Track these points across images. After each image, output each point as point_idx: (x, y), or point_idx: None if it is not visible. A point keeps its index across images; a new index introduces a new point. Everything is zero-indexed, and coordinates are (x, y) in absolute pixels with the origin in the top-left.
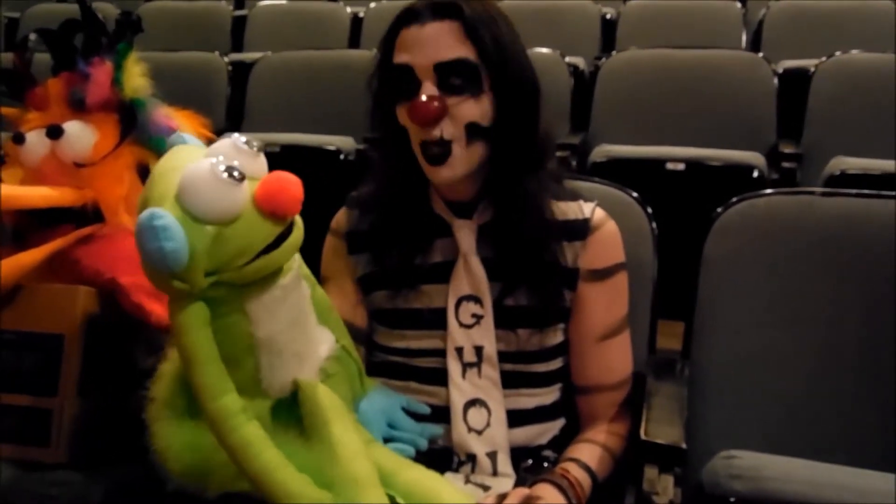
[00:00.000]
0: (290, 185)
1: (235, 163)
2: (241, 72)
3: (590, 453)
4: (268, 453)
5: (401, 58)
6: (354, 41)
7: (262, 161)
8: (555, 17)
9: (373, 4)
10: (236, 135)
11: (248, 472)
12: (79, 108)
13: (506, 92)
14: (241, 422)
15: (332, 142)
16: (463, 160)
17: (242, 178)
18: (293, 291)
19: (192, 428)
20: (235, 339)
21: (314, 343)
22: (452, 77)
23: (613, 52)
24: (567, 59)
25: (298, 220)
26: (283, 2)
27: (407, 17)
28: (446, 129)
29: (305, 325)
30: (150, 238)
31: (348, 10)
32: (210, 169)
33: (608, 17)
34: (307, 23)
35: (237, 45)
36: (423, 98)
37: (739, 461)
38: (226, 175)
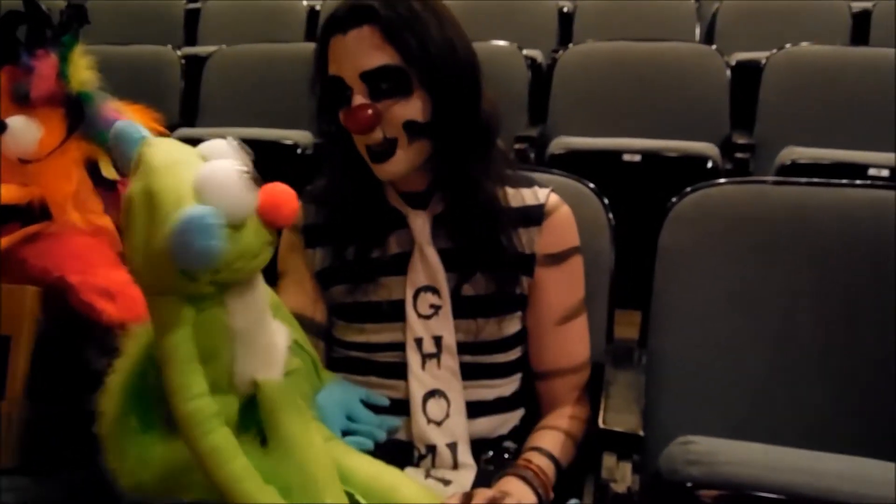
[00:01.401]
0: (291, 198)
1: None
2: (194, 65)
3: (552, 440)
4: (237, 462)
5: (331, 68)
6: (311, 34)
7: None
8: (512, 10)
9: None
10: (229, 139)
11: (216, 478)
12: (23, 102)
13: (438, 87)
14: (213, 427)
15: (289, 136)
16: (406, 157)
17: (254, 182)
18: (258, 283)
19: (143, 443)
20: (214, 332)
21: (277, 334)
22: (380, 82)
23: (571, 45)
24: (524, 51)
25: None
26: None
27: (331, 26)
28: (386, 131)
29: (269, 316)
30: (203, 234)
31: (304, 2)
32: (236, 170)
33: (565, 10)
34: (262, 16)
35: (190, 39)
36: (355, 108)
37: (696, 447)
38: (245, 177)
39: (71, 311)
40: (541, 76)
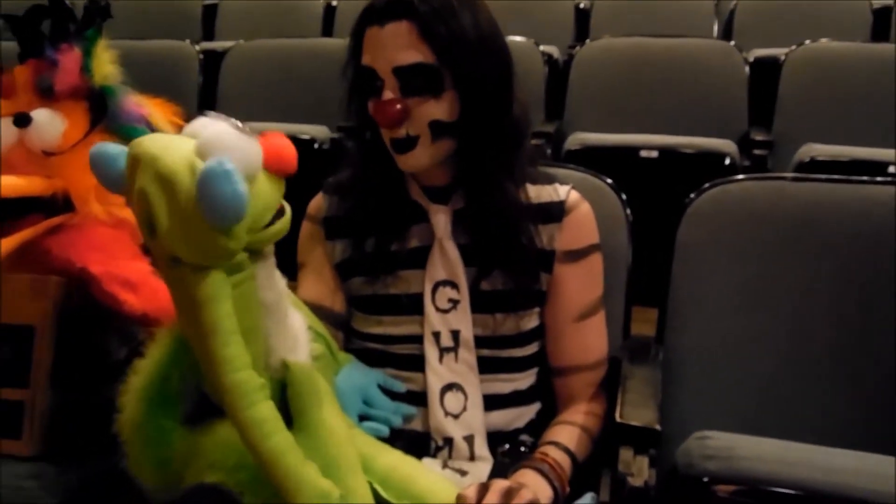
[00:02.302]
0: (289, 145)
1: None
2: (212, 60)
3: (568, 435)
4: (280, 435)
5: (365, 58)
6: (327, 29)
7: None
8: (529, 5)
9: None
10: (209, 113)
11: (259, 450)
12: (47, 95)
13: (469, 88)
14: (258, 398)
15: (306, 130)
16: (428, 153)
17: (250, 132)
18: (274, 262)
19: (164, 446)
20: (250, 306)
21: (297, 318)
22: (412, 79)
23: (587, 41)
24: (541, 47)
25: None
26: None
27: (369, 16)
28: (411, 128)
29: (289, 298)
30: (225, 181)
31: None
32: (232, 125)
33: (582, 6)
34: (279, 11)
35: (208, 34)
36: (384, 101)
37: (713, 441)
38: (242, 129)
39: (93, 301)
40: (557, 72)
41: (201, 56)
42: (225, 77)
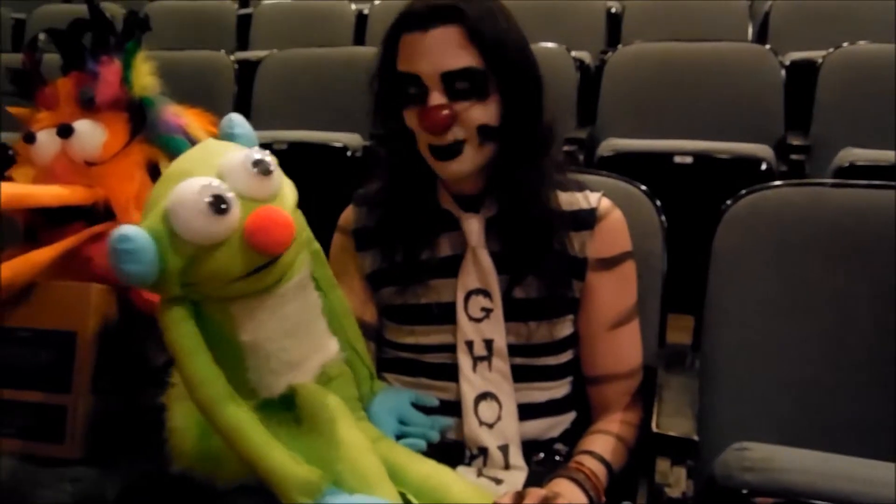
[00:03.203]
0: (277, 226)
1: (226, 190)
2: (246, 70)
3: (603, 444)
4: (255, 434)
5: (406, 65)
6: (359, 38)
7: (272, 182)
8: (560, 11)
9: (377, 2)
10: (254, 151)
11: (241, 453)
12: (89, 106)
13: (511, 91)
14: (227, 406)
15: (338, 139)
16: (473, 158)
17: (226, 210)
18: (291, 301)
19: (212, 439)
20: (221, 339)
21: (315, 351)
22: (459, 83)
23: (619, 46)
24: (572, 53)
25: (300, 237)
26: (288, 0)
27: (407, 22)
28: (458, 133)
29: (305, 335)
30: (116, 259)
31: (353, 7)
32: (198, 194)
33: (613, 10)
34: (312, 20)
35: (242, 44)
36: (433, 107)
37: (751, 453)
38: (210, 204)
39: (132, 308)
40: (589, 78)
41: (236, 65)
42: (259, 86)
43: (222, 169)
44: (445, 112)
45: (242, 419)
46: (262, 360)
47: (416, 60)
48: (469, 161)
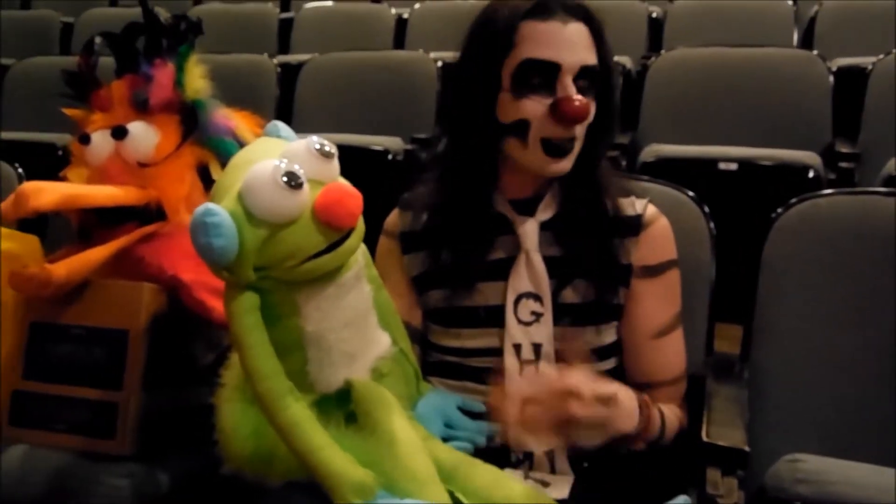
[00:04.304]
0: (349, 198)
1: (298, 168)
2: (288, 73)
3: (663, 408)
4: (313, 433)
5: (539, 52)
6: (399, 42)
7: (334, 166)
8: (601, 15)
9: (417, 6)
10: (314, 137)
11: (296, 451)
12: (142, 109)
13: (606, 96)
14: (288, 402)
15: (379, 142)
16: (573, 158)
17: (300, 185)
18: (351, 291)
19: (259, 415)
20: (285, 330)
21: (370, 344)
22: (584, 80)
23: (662, 52)
24: (615, 58)
25: (360, 224)
26: (329, 4)
27: (540, 11)
28: (578, 129)
29: (361, 327)
30: (202, 233)
31: (393, 11)
32: (272, 172)
33: (654, 15)
34: (352, 24)
35: (284, 47)
36: (575, 98)
37: (804, 465)
38: (285, 181)
39: (182, 307)
40: (630, 83)
41: (279, 69)
42: (301, 89)
43: (286, 154)
44: (584, 102)
45: (301, 416)
46: (324, 351)
47: (556, 49)
48: (571, 160)
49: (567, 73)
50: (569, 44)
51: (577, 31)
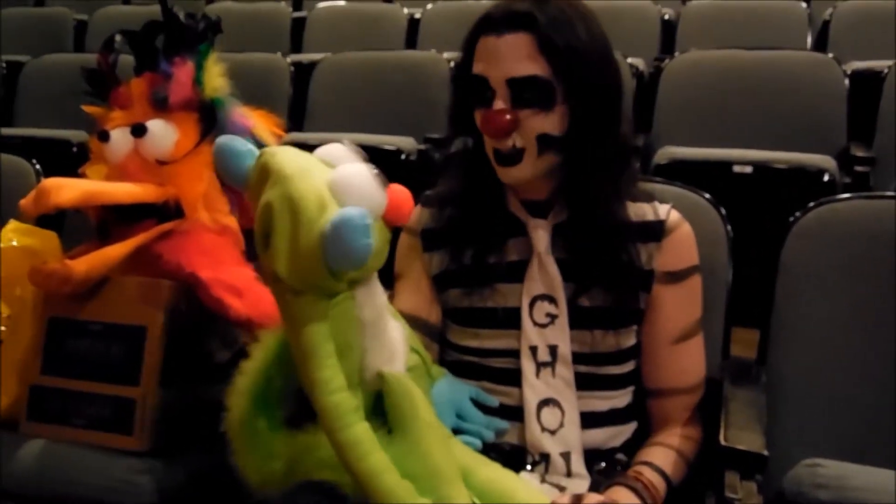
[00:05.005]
0: (409, 198)
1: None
2: (300, 72)
3: (664, 457)
4: (376, 455)
5: (477, 67)
6: (411, 42)
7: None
8: (613, 18)
9: (429, 6)
10: (346, 142)
11: (355, 470)
12: (161, 107)
13: (580, 102)
14: (353, 420)
15: (392, 142)
16: (532, 166)
17: (386, 183)
18: (376, 276)
19: (269, 442)
20: (347, 325)
21: (395, 329)
22: (525, 91)
23: (676, 54)
24: (628, 60)
25: None
26: (341, 3)
27: (485, 25)
28: (517, 140)
29: (388, 310)
30: (361, 234)
31: (405, 11)
32: (368, 172)
33: (667, 17)
34: (364, 24)
35: (296, 46)
36: (496, 111)
37: (824, 470)
38: (376, 176)
39: (199, 305)
40: (643, 85)
41: (292, 68)
42: (314, 89)
43: (322, 154)
44: (506, 117)
45: (365, 436)
46: (377, 338)
47: (487, 64)
48: (528, 169)
49: (496, 85)
50: (497, 56)
51: (510, 43)
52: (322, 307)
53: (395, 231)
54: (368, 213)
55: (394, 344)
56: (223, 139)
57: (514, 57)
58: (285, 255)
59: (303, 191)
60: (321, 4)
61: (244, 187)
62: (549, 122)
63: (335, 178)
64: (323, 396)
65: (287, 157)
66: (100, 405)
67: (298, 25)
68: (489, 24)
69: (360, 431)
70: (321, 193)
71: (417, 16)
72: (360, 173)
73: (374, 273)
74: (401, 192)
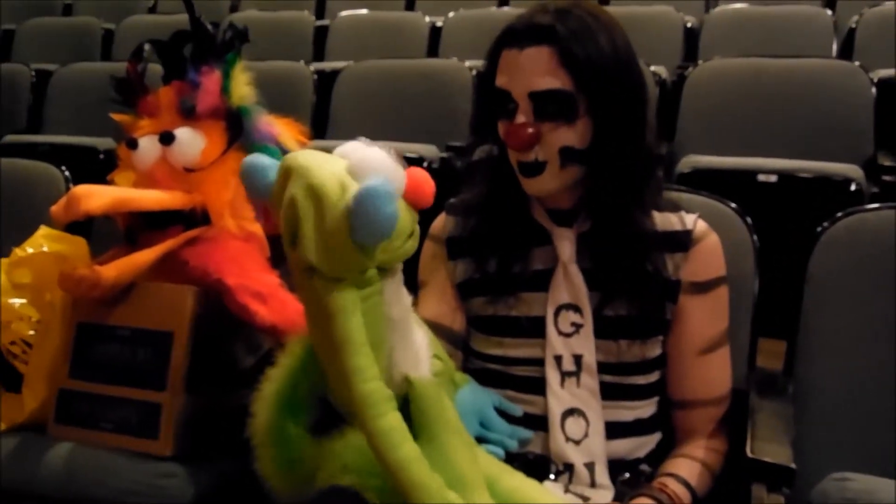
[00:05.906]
0: (429, 179)
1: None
2: (323, 80)
3: (688, 469)
4: (408, 445)
5: (500, 80)
6: (433, 50)
7: None
8: (636, 25)
9: (451, 14)
10: (361, 139)
11: (386, 459)
12: (189, 115)
13: (603, 115)
14: (388, 409)
15: (414, 149)
16: (555, 179)
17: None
18: (402, 278)
19: (295, 449)
20: (377, 320)
21: (419, 332)
22: (547, 104)
23: (699, 62)
24: (651, 68)
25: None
26: (364, 12)
27: (507, 38)
28: (540, 153)
29: (413, 316)
30: (386, 200)
31: (427, 19)
32: (384, 153)
33: (689, 25)
34: (386, 32)
35: (319, 54)
36: (517, 125)
37: (853, 484)
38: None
39: (224, 311)
40: (666, 93)
41: (315, 76)
42: (337, 96)
43: (344, 154)
44: (529, 131)
45: (397, 425)
46: (404, 337)
47: (509, 77)
48: (551, 181)
49: (518, 98)
50: (519, 70)
51: (531, 56)
52: (354, 297)
53: (420, 239)
54: (388, 182)
55: (419, 348)
56: (248, 158)
57: (536, 71)
58: (313, 240)
59: (323, 177)
60: (343, 13)
61: (270, 199)
62: (572, 135)
63: (353, 162)
64: (359, 384)
65: (304, 154)
66: (126, 409)
67: (321, 34)
68: (511, 36)
69: (394, 420)
70: (341, 177)
71: (439, 24)
72: (377, 154)
73: (400, 273)
74: (420, 173)
